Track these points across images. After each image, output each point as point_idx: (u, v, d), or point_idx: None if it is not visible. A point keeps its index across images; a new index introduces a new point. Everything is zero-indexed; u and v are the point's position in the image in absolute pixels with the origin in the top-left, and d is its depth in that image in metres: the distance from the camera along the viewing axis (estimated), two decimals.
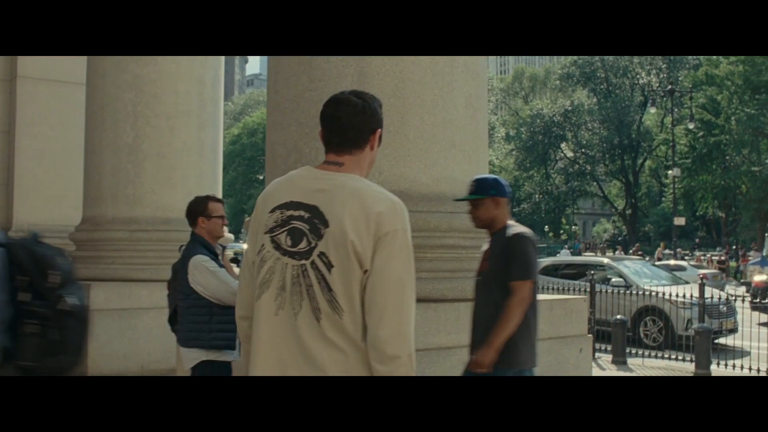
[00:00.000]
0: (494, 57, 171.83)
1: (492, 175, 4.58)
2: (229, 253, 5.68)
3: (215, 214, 4.97)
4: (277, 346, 2.32)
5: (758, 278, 20.77)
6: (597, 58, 68.21)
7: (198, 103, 9.59)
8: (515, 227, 4.28)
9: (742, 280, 31.08)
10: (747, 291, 26.86)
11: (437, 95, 5.33)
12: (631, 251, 45.54)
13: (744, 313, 14.44)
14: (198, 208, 4.96)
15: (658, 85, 50.85)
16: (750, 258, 33.59)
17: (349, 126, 2.40)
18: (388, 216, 2.28)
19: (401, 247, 2.29)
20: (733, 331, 13.77)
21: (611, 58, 67.96)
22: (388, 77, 5.07)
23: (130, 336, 8.29)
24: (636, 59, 67.27)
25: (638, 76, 67.10)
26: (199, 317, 4.64)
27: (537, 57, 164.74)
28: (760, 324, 16.70)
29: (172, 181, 9.05)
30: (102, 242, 8.74)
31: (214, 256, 4.85)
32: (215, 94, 10.08)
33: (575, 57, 71.35)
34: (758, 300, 15.38)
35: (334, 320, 2.25)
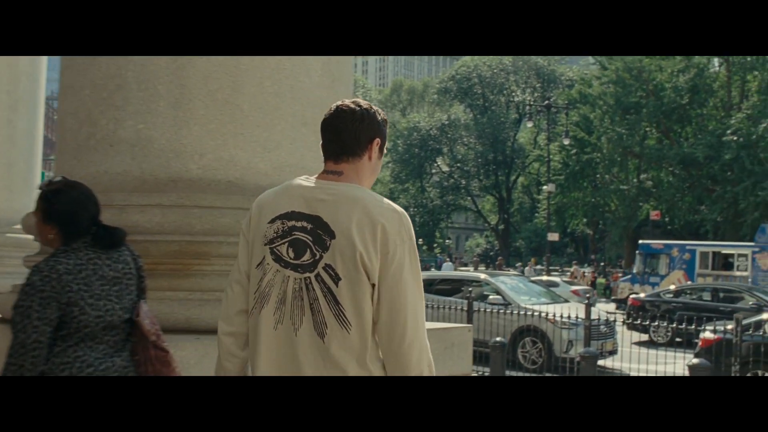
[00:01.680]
0: (373, 69, 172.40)
1: None
2: None
3: None
4: (276, 361, 2.26)
5: (635, 296, 20.42)
6: (474, 74, 68.85)
7: (8, 76, 7.91)
8: None
9: (612, 297, 31.18)
10: (617, 308, 26.91)
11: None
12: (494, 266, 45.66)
13: (619, 332, 13.90)
14: None
15: (533, 102, 51.28)
16: (619, 275, 33.86)
17: (346, 134, 2.37)
18: (395, 228, 2.24)
19: (410, 261, 2.26)
20: (613, 352, 13.07)
21: (488, 74, 68.74)
22: None
23: None
24: (512, 77, 68.29)
25: (514, 94, 68.11)
26: None
27: (415, 69, 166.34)
28: (635, 343, 16.21)
29: None
30: None
31: None
32: (34, 68, 8.40)
33: (453, 72, 71.82)
34: (634, 320, 14.82)
35: (340, 336, 2.20)
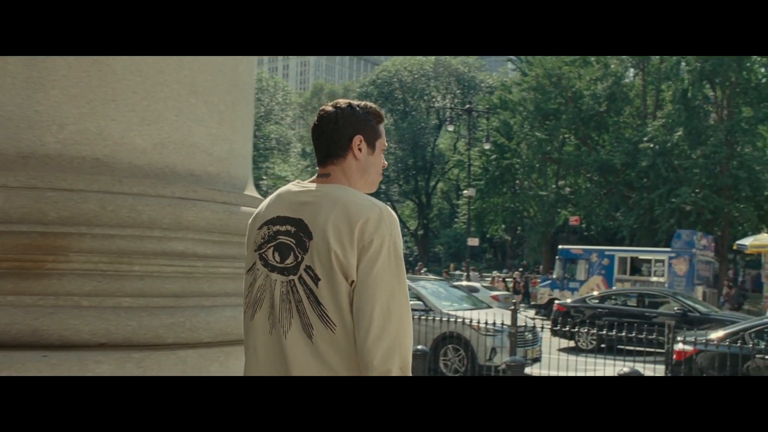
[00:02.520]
0: (294, 73, 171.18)
1: None
2: None
3: None
4: (272, 365, 2.25)
5: (560, 302, 20.13)
6: (395, 78, 68.68)
7: None
8: None
9: (532, 303, 31.07)
10: (537, 314, 26.77)
11: None
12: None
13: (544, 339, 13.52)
14: None
15: (454, 107, 51.30)
16: (538, 280, 33.82)
17: (326, 136, 2.38)
18: (373, 224, 2.20)
19: (388, 255, 2.20)
20: (537, 360, 12.62)
21: (409, 80, 68.65)
22: None
23: None
24: (432, 83, 68.33)
25: (434, 100, 68.07)
26: None
27: (336, 73, 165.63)
28: (561, 350, 15.89)
29: None
30: None
31: None
32: None
33: (374, 76, 71.49)
34: (562, 327, 14.46)
35: (326, 336, 2.19)
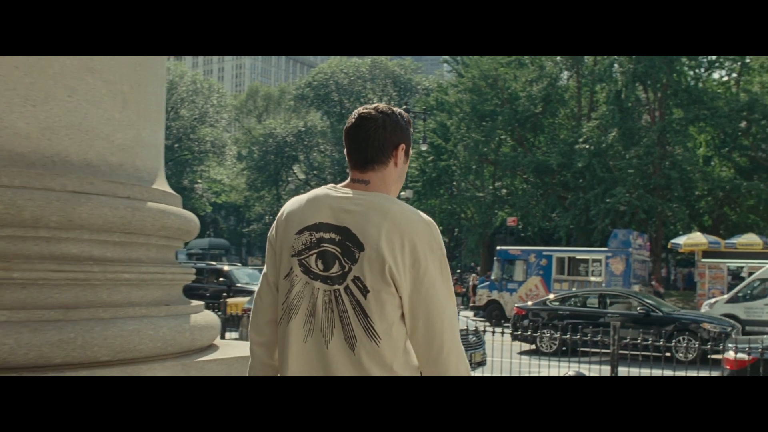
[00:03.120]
0: (229, 76, 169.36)
1: None
2: None
3: None
4: (307, 373, 2.24)
5: (520, 305, 19.86)
6: (331, 81, 68.24)
7: None
8: None
9: (470, 304, 30.94)
10: (476, 315, 26.60)
11: None
12: None
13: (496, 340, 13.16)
14: None
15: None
16: (476, 282, 33.73)
17: (370, 142, 2.35)
18: (425, 239, 2.23)
19: (441, 271, 2.25)
20: (482, 364, 12.30)
21: (345, 82, 68.30)
22: None
23: None
24: (369, 85, 68.10)
25: (371, 102, 67.68)
26: None
27: (272, 76, 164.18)
28: (523, 353, 15.66)
29: None
30: None
31: None
32: None
33: (310, 79, 70.89)
34: (524, 331, 14.17)
35: (370, 348, 2.19)
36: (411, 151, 2.47)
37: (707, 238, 28.94)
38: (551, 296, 20.30)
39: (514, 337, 14.83)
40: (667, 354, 13.31)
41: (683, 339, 16.16)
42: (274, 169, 66.94)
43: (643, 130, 37.18)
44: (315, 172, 66.58)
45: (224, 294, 22.20)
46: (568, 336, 9.19)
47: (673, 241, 32.10)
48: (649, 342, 8.57)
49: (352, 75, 68.74)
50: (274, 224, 2.42)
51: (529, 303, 20.03)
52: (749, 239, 28.30)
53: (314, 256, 2.26)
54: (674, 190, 35.08)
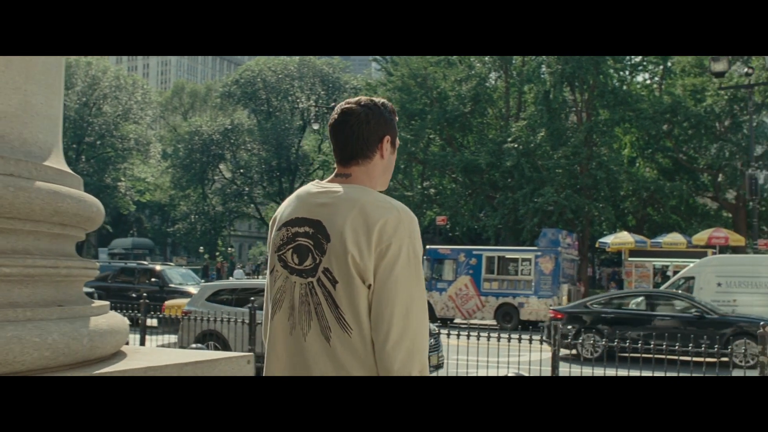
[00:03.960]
0: (155, 72, 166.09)
1: None
2: None
3: None
4: (293, 366, 2.25)
5: (556, 308, 18.90)
6: (259, 78, 67.34)
7: None
8: None
9: None
10: None
11: None
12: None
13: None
14: None
15: (319, 106, 50.58)
16: None
17: (354, 137, 2.35)
18: (391, 227, 2.18)
19: (407, 259, 2.19)
20: (439, 366, 11.83)
21: (273, 80, 67.48)
22: None
23: None
24: (297, 83, 67.41)
25: (299, 101, 67.15)
26: None
27: (199, 73, 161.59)
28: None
29: None
30: None
31: None
32: None
33: (237, 76, 69.77)
34: (563, 336, 13.24)
35: (343, 339, 2.18)
36: (398, 141, 2.45)
37: (634, 237, 29.33)
38: (587, 299, 19.03)
39: (552, 343, 13.51)
40: (725, 359, 12.42)
41: (742, 343, 14.86)
42: (200, 168, 65.62)
43: (570, 130, 37.58)
44: (242, 170, 65.56)
45: (158, 295, 21.33)
46: (615, 343, 8.47)
47: (600, 240, 32.46)
48: (702, 348, 8.07)
49: (279, 73, 67.93)
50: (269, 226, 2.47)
51: (566, 305, 18.39)
52: (674, 238, 28.78)
53: (291, 250, 2.28)
54: (601, 190, 35.50)
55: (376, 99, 2.41)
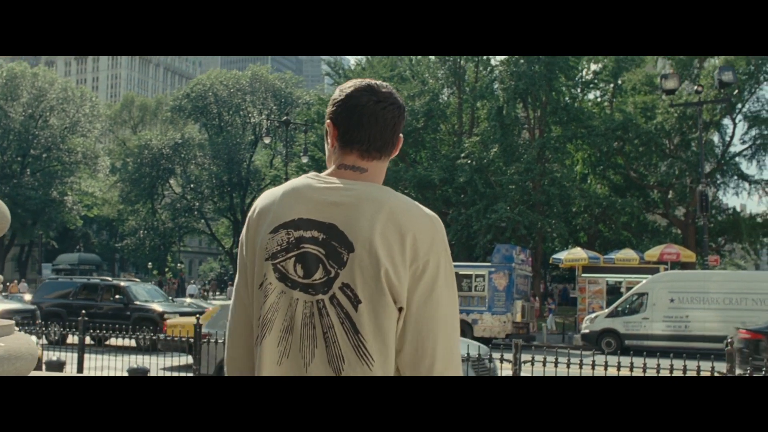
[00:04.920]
0: (104, 86, 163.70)
1: None
2: None
3: None
4: None
5: (749, 327, 17.80)
6: (210, 92, 66.63)
7: None
8: None
9: None
10: None
11: None
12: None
13: None
14: None
15: (271, 120, 50.03)
16: None
17: (390, 128, 1.99)
18: (427, 238, 1.84)
19: (446, 278, 1.86)
20: None
21: (225, 94, 66.82)
22: None
23: None
24: (249, 98, 66.81)
25: (250, 115, 66.64)
26: None
27: (150, 87, 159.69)
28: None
29: None
30: None
31: None
32: None
33: (188, 90, 68.91)
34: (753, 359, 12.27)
35: (361, 372, 1.80)
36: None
37: (587, 253, 29.38)
38: None
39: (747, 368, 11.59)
40: None
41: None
42: (150, 182, 64.54)
43: (523, 146, 37.67)
44: (192, 185, 64.65)
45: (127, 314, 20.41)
46: None
47: (554, 256, 32.48)
48: None
49: (231, 87, 67.30)
50: (245, 225, 2.00)
51: (760, 326, 15.90)
52: (626, 254, 28.90)
53: (292, 259, 1.88)
54: (554, 206, 35.60)
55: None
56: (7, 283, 44.16)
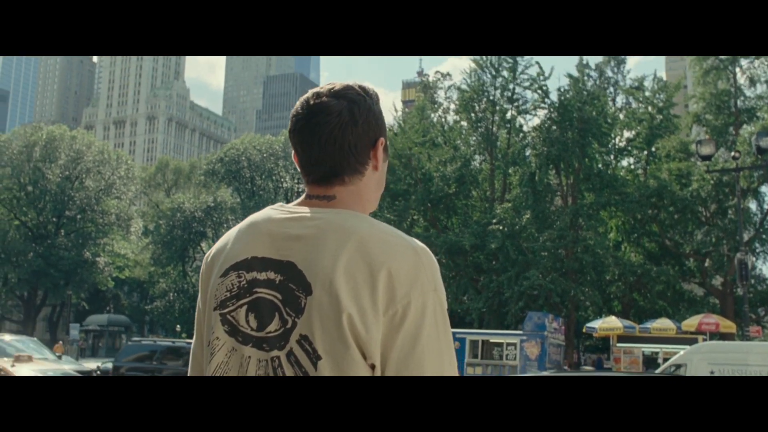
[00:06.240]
0: (141, 150, 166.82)
1: None
2: None
3: None
4: None
5: None
6: (243, 157, 67.36)
7: None
8: None
9: None
10: None
11: None
12: None
13: None
14: None
15: (301, 189, 50.21)
16: None
17: (336, 145, 1.60)
18: (408, 274, 1.48)
19: (435, 323, 1.49)
20: None
21: (258, 158, 67.49)
22: None
23: None
24: (281, 163, 67.47)
25: (283, 180, 67.14)
26: None
27: (185, 152, 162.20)
28: None
29: None
30: None
31: None
32: None
33: (222, 154, 69.72)
34: None
35: None
36: (387, 142, 1.71)
37: (622, 322, 28.63)
38: None
39: None
40: None
41: None
42: (181, 245, 65.00)
43: (555, 213, 37.27)
44: None
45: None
46: None
47: (587, 324, 31.71)
48: None
49: (264, 152, 68.07)
50: (202, 264, 1.71)
51: None
52: (663, 324, 28.10)
53: (244, 308, 1.54)
54: (587, 274, 34.98)
55: (353, 84, 1.68)
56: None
